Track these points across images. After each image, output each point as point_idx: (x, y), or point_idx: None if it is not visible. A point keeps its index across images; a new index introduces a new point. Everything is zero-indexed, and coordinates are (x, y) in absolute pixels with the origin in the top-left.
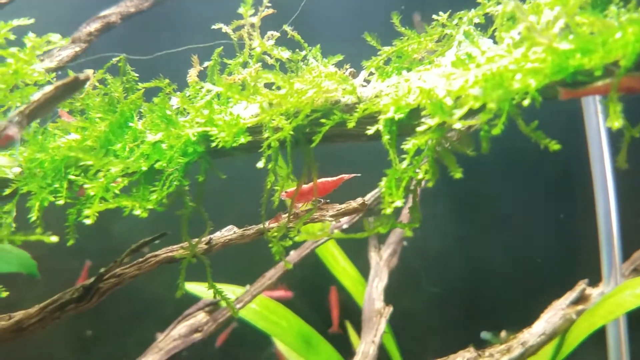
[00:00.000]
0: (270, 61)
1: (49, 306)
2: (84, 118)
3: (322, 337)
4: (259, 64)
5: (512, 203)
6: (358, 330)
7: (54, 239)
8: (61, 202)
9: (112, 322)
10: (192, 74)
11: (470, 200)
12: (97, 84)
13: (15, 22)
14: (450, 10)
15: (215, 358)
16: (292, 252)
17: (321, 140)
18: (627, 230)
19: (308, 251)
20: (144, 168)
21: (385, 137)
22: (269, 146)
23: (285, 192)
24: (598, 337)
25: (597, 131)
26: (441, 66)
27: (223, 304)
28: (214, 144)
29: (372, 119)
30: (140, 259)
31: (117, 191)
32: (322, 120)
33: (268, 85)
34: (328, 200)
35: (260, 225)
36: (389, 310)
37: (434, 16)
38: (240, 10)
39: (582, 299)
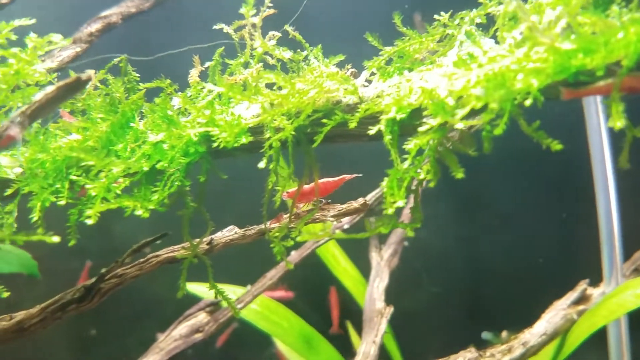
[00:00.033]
0: (271, 61)
1: (50, 306)
2: (85, 118)
3: (323, 337)
4: (261, 64)
5: (512, 203)
6: (359, 330)
7: (56, 239)
8: (62, 202)
9: (113, 322)
10: (194, 74)
11: (472, 200)
12: (98, 84)
13: (17, 23)
14: (451, 10)
15: (216, 358)
16: (293, 253)
17: (323, 140)
18: (628, 230)
19: (309, 251)
20: (146, 168)
21: (387, 137)
22: (270, 146)
23: (287, 192)
24: (599, 338)
25: (598, 131)
26: (443, 66)
27: (224, 304)
28: (215, 144)
29: (373, 119)
30: (142, 259)
31: (118, 191)
32: (324, 121)
33: (269, 86)
34: (329, 201)
35: (262, 226)
36: (390, 310)
37: (436, 16)
38: (242, 10)
39: (583, 299)
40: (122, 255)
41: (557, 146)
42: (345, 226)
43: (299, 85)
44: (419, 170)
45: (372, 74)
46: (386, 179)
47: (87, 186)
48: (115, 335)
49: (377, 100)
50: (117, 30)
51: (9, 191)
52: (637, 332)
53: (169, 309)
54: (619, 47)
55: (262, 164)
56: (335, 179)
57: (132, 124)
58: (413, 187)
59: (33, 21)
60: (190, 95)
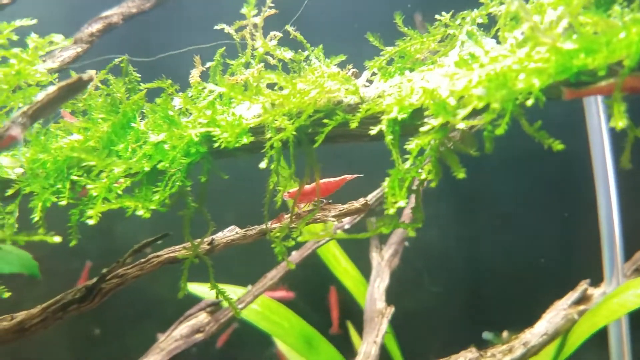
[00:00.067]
0: (272, 61)
1: (51, 306)
2: (86, 119)
3: (324, 337)
4: (262, 64)
5: (513, 203)
6: (360, 330)
7: (57, 239)
8: (64, 202)
9: (114, 322)
10: (195, 75)
11: (473, 200)
12: (99, 84)
13: (18, 23)
14: (453, 10)
15: (217, 358)
16: (293, 253)
17: (324, 140)
18: (629, 230)
19: (309, 252)
20: (147, 168)
21: (388, 138)
22: (271, 147)
23: (288, 192)
24: (600, 338)
25: (599, 131)
26: (444, 66)
27: (225, 304)
28: (216, 145)
29: (374, 119)
30: (143, 260)
31: (119, 192)
32: (325, 121)
33: (270, 86)
34: (330, 201)
35: (263, 226)
36: (391, 310)
37: (437, 16)
38: (243, 10)
39: (584, 299)
40: (123, 256)
41: (558, 146)
42: (346, 226)
43: (300, 85)
44: (420, 171)
45: (373, 74)
46: (387, 179)
47: (88, 186)
48: (116, 335)
49: (378, 100)
50: (118, 30)
51: (10, 191)
52: (638, 332)
53: (170, 309)
54: (620, 47)
55: (263, 164)
56: (337, 179)
57: (133, 124)
58: (414, 187)
59: (34, 21)
60: (192, 96)
